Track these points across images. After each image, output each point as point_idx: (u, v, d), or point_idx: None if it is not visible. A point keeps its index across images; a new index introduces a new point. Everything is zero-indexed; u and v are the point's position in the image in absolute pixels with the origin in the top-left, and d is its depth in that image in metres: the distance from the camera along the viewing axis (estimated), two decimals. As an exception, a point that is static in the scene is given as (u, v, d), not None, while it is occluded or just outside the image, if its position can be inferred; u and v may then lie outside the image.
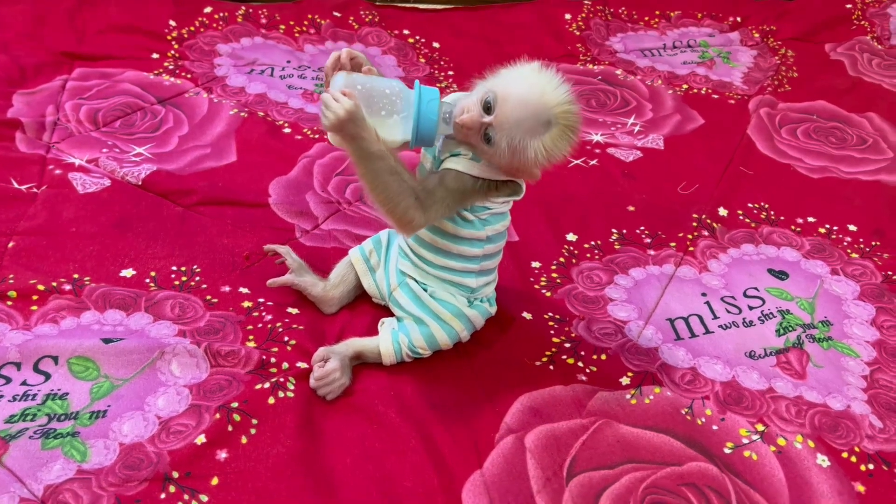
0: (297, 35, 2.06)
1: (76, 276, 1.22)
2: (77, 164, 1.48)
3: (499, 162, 0.97)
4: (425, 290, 1.11)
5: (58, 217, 1.34)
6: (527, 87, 0.93)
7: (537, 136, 0.93)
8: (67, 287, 1.19)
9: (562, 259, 1.37)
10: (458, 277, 1.10)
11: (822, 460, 1.02)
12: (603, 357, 1.16)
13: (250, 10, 2.08)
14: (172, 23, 1.98)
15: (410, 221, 0.96)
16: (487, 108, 0.94)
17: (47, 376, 1.03)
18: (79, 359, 1.06)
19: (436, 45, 2.09)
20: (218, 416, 0.98)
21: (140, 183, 1.45)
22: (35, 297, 1.16)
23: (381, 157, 0.93)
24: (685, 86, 2.05)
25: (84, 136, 1.58)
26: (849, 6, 2.46)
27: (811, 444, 1.04)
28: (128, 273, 1.24)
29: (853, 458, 1.03)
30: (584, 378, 1.12)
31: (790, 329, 1.24)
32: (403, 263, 1.13)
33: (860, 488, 0.99)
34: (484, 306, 1.14)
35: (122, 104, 1.70)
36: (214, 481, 0.92)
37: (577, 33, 2.23)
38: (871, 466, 1.02)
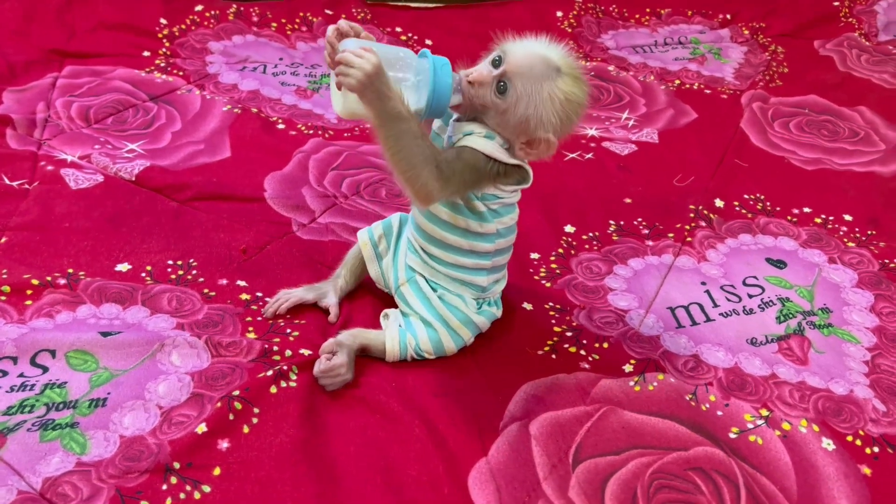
0: (289, 33, 2.06)
1: (70, 270, 1.20)
2: (69, 160, 1.47)
3: (514, 119, 0.95)
4: (435, 291, 1.09)
5: (50, 213, 1.33)
6: (532, 42, 0.97)
7: (550, 79, 0.95)
8: (62, 281, 1.18)
9: (560, 250, 1.36)
10: (469, 276, 1.08)
11: (828, 444, 1.02)
12: (605, 345, 1.15)
13: (241, 8, 2.07)
14: (163, 21, 1.97)
15: (430, 191, 0.93)
16: (496, 64, 0.96)
17: (45, 369, 1.02)
18: (77, 352, 1.04)
19: (428, 42, 2.09)
20: (219, 404, 0.97)
21: (133, 179, 1.43)
22: (29, 292, 1.15)
23: (407, 118, 0.90)
24: (677, 81, 2.06)
25: (76, 133, 1.56)
26: (836, 3, 2.49)
27: (816, 428, 1.04)
28: (123, 267, 1.22)
29: (858, 442, 1.03)
30: (586, 366, 1.11)
31: (790, 316, 1.24)
32: (413, 259, 1.12)
33: (866, 471, 0.99)
34: (491, 310, 1.13)
35: (113, 101, 1.68)
36: (217, 471, 0.90)
37: (569, 30, 2.23)
38: (875, 449, 1.02)
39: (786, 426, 1.04)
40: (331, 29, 0.94)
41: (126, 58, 1.85)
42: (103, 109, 1.65)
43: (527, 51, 0.96)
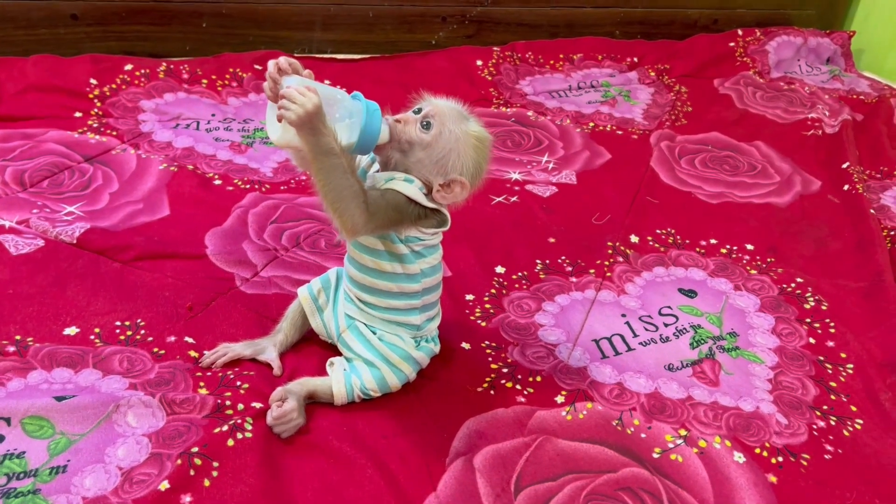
0: (219, 89, 2.11)
1: (18, 337, 1.23)
2: (7, 225, 1.49)
3: (436, 154, 1.07)
4: (374, 334, 1.17)
5: (-8, 280, 1.35)
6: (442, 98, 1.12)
7: (463, 122, 1.09)
8: (11, 349, 1.20)
9: (493, 290, 1.46)
10: (402, 317, 1.17)
11: (739, 457, 1.13)
12: (538, 379, 1.25)
13: (171, 66, 2.11)
14: (93, 81, 2.00)
15: (356, 223, 1.01)
16: (417, 112, 1.09)
17: (2, 438, 1.04)
18: (32, 418, 1.07)
19: (356, 92, 2.18)
20: (179, 461, 1.01)
21: (75, 241, 1.46)
22: (-22, 361, 1.17)
23: (338, 154, 0.98)
24: (591, 124, 2.20)
25: (12, 198, 1.58)
26: (732, 44, 2.70)
27: (728, 443, 1.15)
28: (71, 331, 1.25)
29: (764, 453, 1.14)
30: (522, 399, 1.20)
31: (702, 342, 1.37)
32: (349, 308, 1.20)
33: (772, 479, 1.10)
34: (430, 346, 1.21)
35: (48, 164, 1.70)
36: (181, 525, 0.95)
37: (489, 78, 2.36)
38: (780, 459, 1.14)
39: (702, 444, 1.15)
40: (271, 64, 1.02)
41: (57, 119, 1.88)
42: (38, 172, 1.67)
43: (444, 101, 1.11)
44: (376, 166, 1.14)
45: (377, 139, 1.04)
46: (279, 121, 0.98)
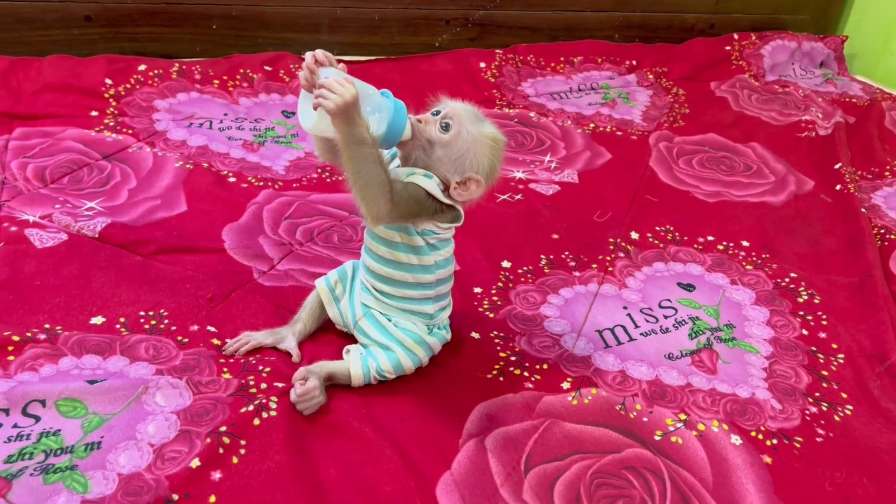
0: (230, 89, 2.17)
1: (47, 325, 1.28)
2: (31, 220, 1.54)
3: (455, 153, 1.13)
4: (389, 321, 1.23)
5: (20, 272, 1.39)
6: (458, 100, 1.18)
7: (479, 124, 1.15)
8: (42, 336, 1.25)
9: (500, 284, 1.52)
10: (417, 306, 1.23)
11: (735, 439, 1.20)
12: (545, 367, 1.31)
13: (184, 67, 2.17)
14: (108, 81, 2.05)
15: (381, 212, 1.07)
16: (436, 113, 1.15)
17: (37, 419, 1.10)
18: (66, 400, 1.13)
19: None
20: (209, 440, 1.07)
21: (97, 236, 1.52)
22: (11, 348, 1.22)
23: (370, 144, 1.03)
24: (592, 125, 2.27)
25: (34, 194, 1.63)
26: (728, 48, 2.77)
27: (725, 427, 1.22)
28: (98, 320, 1.31)
29: (760, 436, 1.21)
30: (530, 386, 1.26)
31: (700, 333, 1.43)
32: (366, 297, 1.26)
33: (767, 460, 1.17)
34: (442, 333, 1.28)
35: (67, 161, 1.76)
36: (212, 499, 1.01)
37: (492, 80, 2.42)
38: (774, 441, 1.20)
39: (701, 427, 1.21)
40: (309, 55, 1.07)
41: (75, 118, 1.93)
42: (58, 169, 1.73)
43: (461, 103, 1.17)
44: (397, 161, 1.20)
45: (401, 135, 1.10)
46: (314, 109, 1.03)
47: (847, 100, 2.61)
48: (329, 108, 1.00)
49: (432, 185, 1.14)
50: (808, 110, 2.47)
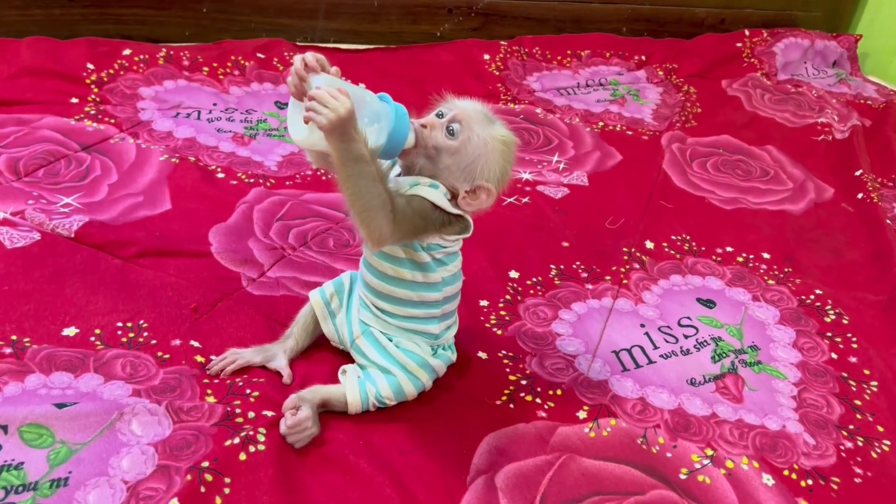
0: (221, 77, 2.05)
1: (14, 337, 1.17)
2: (1, 217, 1.42)
3: (465, 160, 1.02)
4: (390, 341, 1.12)
5: (-14, 275, 1.28)
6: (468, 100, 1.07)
7: (489, 125, 1.04)
8: (7, 350, 1.14)
9: (507, 297, 1.42)
10: (421, 325, 1.12)
11: (768, 479, 1.10)
12: (559, 392, 1.20)
13: (171, 52, 2.04)
14: (90, 65, 1.93)
15: (383, 233, 0.96)
16: (440, 116, 1.03)
17: (-2, 447, 0.98)
18: (31, 426, 1.01)
19: (361, 84, 2.12)
20: (189, 477, 0.96)
21: (73, 235, 1.40)
22: (-28, 363, 1.11)
23: (368, 161, 0.92)
24: (601, 123, 2.16)
25: (5, 187, 1.51)
26: (739, 45, 2.67)
27: (756, 464, 1.12)
28: (70, 331, 1.20)
29: (794, 476, 1.11)
30: (543, 414, 1.16)
31: (724, 355, 1.33)
32: (365, 314, 1.15)
33: (803, 503, 1.07)
34: (447, 354, 1.17)
35: (43, 152, 1.64)
36: (192, 546, 0.90)
37: (497, 73, 2.31)
38: (809, 482, 1.10)
39: (729, 464, 1.11)
40: (298, 60, 0.96)
41: (53, 105, 1.81)
42: (33, 161, 1.60)
43: (468, 103, 1.06)
44: (397, 169, 1.09)
45: (404, 144, 0.99)
46: (306, 122, 0.92)
47: (862, 101, 2.51)
48: (322, 123, 0.89)
49: (439, 196, 1.02)
50: (822, 112, 2.37)
